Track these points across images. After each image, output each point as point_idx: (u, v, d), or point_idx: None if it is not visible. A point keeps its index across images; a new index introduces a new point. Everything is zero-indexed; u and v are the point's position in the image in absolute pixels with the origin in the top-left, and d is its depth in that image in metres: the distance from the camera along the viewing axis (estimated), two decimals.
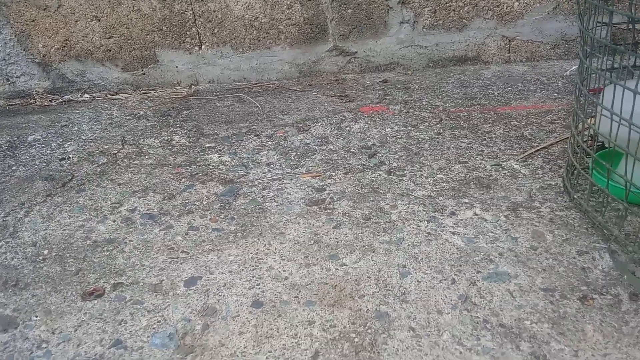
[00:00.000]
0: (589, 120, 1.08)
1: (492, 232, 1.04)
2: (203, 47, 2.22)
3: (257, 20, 2.16)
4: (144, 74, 2.28)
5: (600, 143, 1.21)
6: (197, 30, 2.20)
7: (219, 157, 1.48)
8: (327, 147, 1.50)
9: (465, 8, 2.07)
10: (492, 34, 2.10)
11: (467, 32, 2.11)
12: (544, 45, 2.10)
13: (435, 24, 2.11)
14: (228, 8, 2.15)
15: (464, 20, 2.09)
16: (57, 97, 2.28)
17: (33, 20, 2.21)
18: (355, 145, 1.49)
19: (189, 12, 2.16)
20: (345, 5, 2.11)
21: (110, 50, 2.26)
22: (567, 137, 1.40)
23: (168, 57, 2.24)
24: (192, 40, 2.21)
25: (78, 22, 2.21)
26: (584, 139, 1.18)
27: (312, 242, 1.06)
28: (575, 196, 1.08)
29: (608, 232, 0.96)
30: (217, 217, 1.17)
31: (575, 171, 1.10)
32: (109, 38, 2.24)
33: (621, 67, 0.94)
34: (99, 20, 2.21)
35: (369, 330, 0.82)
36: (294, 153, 1.47)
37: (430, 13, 2.09)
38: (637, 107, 0.85)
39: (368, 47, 2.18)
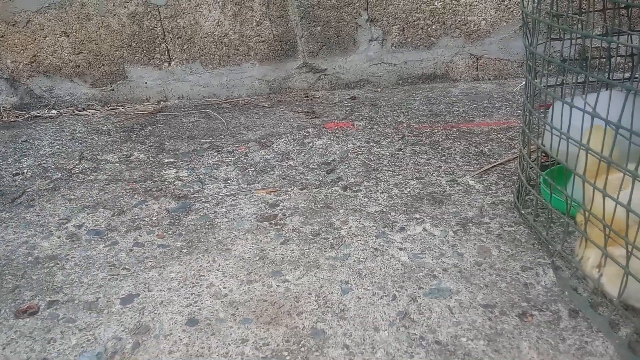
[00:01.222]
0: (538, 137, 1.08)
1: (438, 248, 1.02)
2: (172, 63, 2.22)
3: (227, 37, 2.16)
4: (113, 89, 2.27)
5: (553, 159, 1.20)
6: (167, 47, 2.20)
7: (176, 172, 1.46)
8: (287, 162, 1.49)
9: (433, 26, 2.09)
10: (460, 52, 2.12)
11: (436, 50, 2.12)
12: (511, 63, 2.12)
13: (403, 41, 2.12)
14: (197, 24, 2.15)
15: (432, 39, 2.11)
16: (25, 113, 2.25)
17: (2, 36, 2.20)
18: (316, 161, 1.48)
19: (158, 28, 2.16)
20: (314, 23, 2.12)
21: (79, 66, 2.25)
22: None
23: (137, 73, 2.24)
24: (162, 57, 2.21)
25: (47, 38, 2.20)
26: (537, 155, 1.18)
27: (258, 258, 1.04)
28: (523, 211, 1.07)
29: (553, 248, 0.95)
30: (164, 233, 1.15)
31: (524, 187, 1.09)
32: (78, 54, 2.22)
33: (565, 81, 0.94)
34: (68, 36, 2.20)
35: (302, 349, 0.80)
36: (253, 169, 1.46)
37: (399, 31, 2.11)
38: (577, 121, 0.85)
39: (338, 64, 2.18)
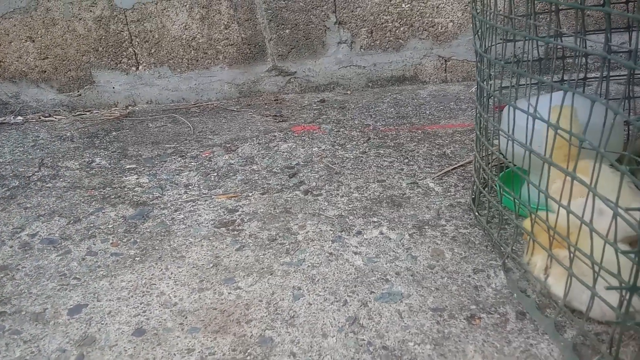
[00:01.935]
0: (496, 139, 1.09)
1: (393, 251, 1.02)
2: (140, 67, 2.20)
3: (195, 41, 2.15)
4: (80, 95, 2.24)
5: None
6: (134, 51, 2.17)
7: (137, 178, 1.44)
8: (250, 167, 1.48)
9: (401, 28, 2.09)
10: (429, 54, 2.12)
11: (404, 52, 2.13)
12: None
13: (372, 44, 2.12)
14: (165, 28, 2.13)
15: (400, 41, 2.11)
16: None
17: None
18: (279, 165, 1.47)
19: (124, 32, 2.14)
20: (282, 26, 2.11)
21: (45, 72, 2.21)
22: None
23: (104, 77, 2.21)
24: (129, 61, 2.18)
25: (12, 43, 2.17)
26: (491, 158, 1.18)
27: (211, 265, 1.02)
28: (477, 213, 1.08)
29: (504, 250, 0.95)
30: (119, 241, 1.13)
31: (479, 189, 1.09)
32: (44, 59, 2.19)
33: (511, 84, 0.94)
34: (34, 41, 2.16)
35: (248, 357, 0.79)
36: (215, 174, 1.45)
37: (367, 33, 2.11)
38: (523, 122, 0.85)
39: (307, 67, 2.18)
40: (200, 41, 2.15)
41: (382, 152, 1.51)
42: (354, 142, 1.60)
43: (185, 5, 2.09)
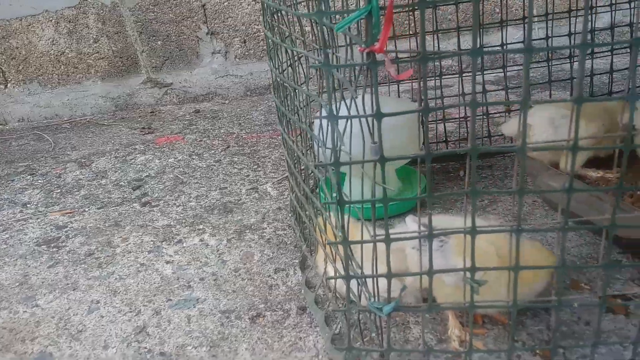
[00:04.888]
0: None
1: (206, 258, 1.03)
2: (9, 84, 2.12)
3: (64, 55, 2.10)
4: None
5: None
6: (1, 68, 2.10)
7: None
8: (99, 181, 1.46)
9: None
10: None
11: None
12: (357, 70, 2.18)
13: (246, 53, 2.14)
14: (31, 44, 2.07)
15: None
16: None
17: None
18: (128, 178, 1.46)
19: None
20: (154, 37, 2.10)
21: None
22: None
23: None
24: None
25: None
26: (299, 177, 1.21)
27: (17, 284, 1.00)
28: (291, 215, 1.10)
29: (306, 248, 0.98)
30: None
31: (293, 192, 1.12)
32: None
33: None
34: None
35: None
36: (59, 190, 1.42)
37: (240, 43, 2.13)
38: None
39: (183, 78, 2.17)
40: (69, 56, 2.10)
41: (236, 159, 1.52)
42: (212, 151, 1.61)
43: (51, 20, 2.04)
